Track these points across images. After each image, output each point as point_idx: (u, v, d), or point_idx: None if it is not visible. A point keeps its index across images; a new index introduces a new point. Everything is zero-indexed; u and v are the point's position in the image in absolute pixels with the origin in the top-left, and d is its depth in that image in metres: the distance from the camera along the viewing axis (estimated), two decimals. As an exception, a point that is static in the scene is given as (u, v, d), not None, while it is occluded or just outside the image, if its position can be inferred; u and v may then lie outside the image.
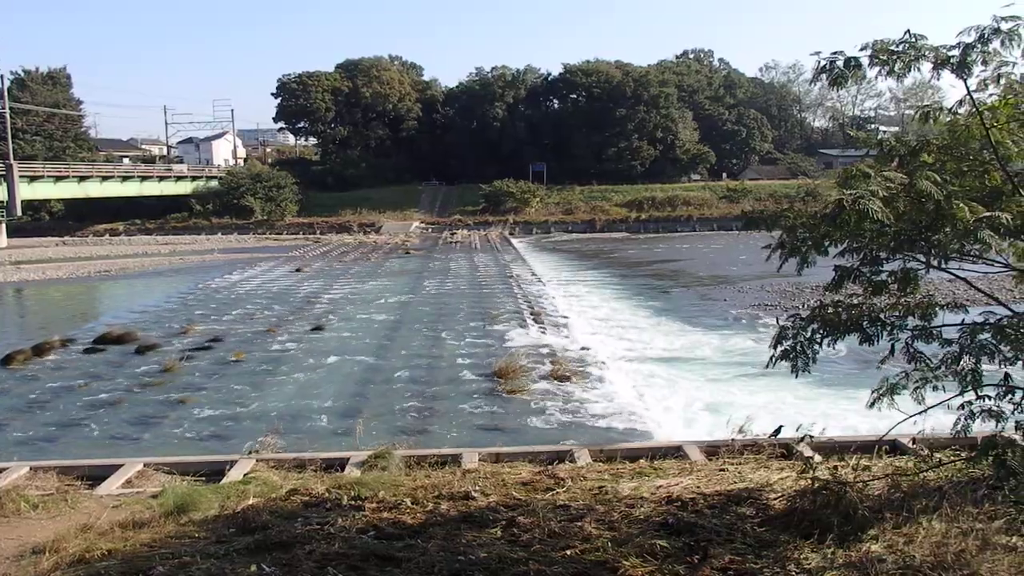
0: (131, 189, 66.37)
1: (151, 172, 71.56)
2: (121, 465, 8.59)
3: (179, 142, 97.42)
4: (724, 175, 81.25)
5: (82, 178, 61.98)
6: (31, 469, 8.50)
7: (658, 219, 68.30)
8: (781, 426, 6.30)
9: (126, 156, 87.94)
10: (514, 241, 59.02)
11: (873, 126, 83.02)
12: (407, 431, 12.85)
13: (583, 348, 19.32)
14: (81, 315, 28.16)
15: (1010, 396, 5.22)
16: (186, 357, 18.96)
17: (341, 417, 14.02)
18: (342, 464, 8.56)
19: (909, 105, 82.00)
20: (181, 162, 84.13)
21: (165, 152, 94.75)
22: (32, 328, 25.05)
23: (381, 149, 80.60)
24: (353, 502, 6.82)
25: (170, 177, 71.54)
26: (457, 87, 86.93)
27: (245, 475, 8.12)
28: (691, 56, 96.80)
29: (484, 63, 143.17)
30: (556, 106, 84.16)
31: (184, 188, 71.10)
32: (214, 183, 72.92)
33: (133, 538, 6.14)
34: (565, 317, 24.30)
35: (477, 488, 7.09)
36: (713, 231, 63.78)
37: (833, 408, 13.15)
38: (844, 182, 5.23)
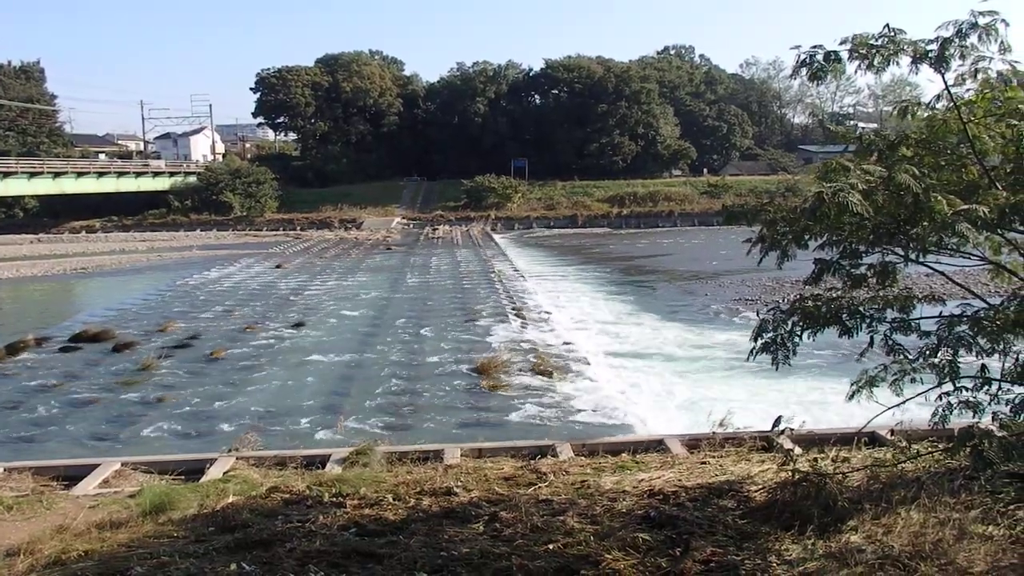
0: (107, 185, 65.46)
1: (128, 168, 70.58)
2: (98, 465, 8.50)
3: (156, 137, 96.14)
4: (705, 171, 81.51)
5: (57, 174, 61.07)
6: (5, 470, 8.38)
7: (640, 214, 68.51)
8: (780, 416, 6.32)
9: (102, 152, 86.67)
10: (496, 237, 58.99)
11: (852, 122, 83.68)
12: (389, 427, 12.82)
13: (565, 343, 19.35)
14: (57, 313, 27.79)
15: (987, 387, 5.28)
16: (164, 355, 18.74)
17: (322, 414, 13.94)
18: (323, 461, 8.53)
19: (888, 101, 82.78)
20: (158, 158, 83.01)
21: (142, 148, 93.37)
22: (6, 327, 24.66)
23: (362, 144, 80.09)
24: (334, 499, 6.79)
25: (147, 173, 70.63)
26: (438, 82, 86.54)
27: (225, 473, 8.06)
28: (672, 52, 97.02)
29: (465, 58, 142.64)
30: (538, 102, 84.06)
31: (162, 184, 70.24)
32: (192, 179, 72.10)
33: (110, 538, 6.07)
34: (547, 312, 24.32)
35: (459, 483, 7.08)
36: (694, 226, 63.98)
37: (812, 400, 13.26)
38: (824, 176, 5.26)
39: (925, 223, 4.95)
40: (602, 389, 15.08)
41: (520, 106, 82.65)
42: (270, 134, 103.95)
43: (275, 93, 77.51)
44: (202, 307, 27.03)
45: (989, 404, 5.28)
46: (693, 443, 8.54)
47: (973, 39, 4.95)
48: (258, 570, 5.30)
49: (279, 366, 17.88)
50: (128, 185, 67.62)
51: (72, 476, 8.21)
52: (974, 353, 5.24)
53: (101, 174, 65.66)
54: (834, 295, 5.62)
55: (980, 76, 5.11)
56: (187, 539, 5.99)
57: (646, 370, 17.01)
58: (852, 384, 5.50)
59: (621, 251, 48.39)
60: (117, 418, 14.05)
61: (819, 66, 5.25)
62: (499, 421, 13.33)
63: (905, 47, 5.08)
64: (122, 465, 8.57)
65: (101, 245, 55.83)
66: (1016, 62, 5.11)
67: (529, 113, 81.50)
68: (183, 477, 8.25)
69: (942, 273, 5.81)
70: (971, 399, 5.25)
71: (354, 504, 6.63)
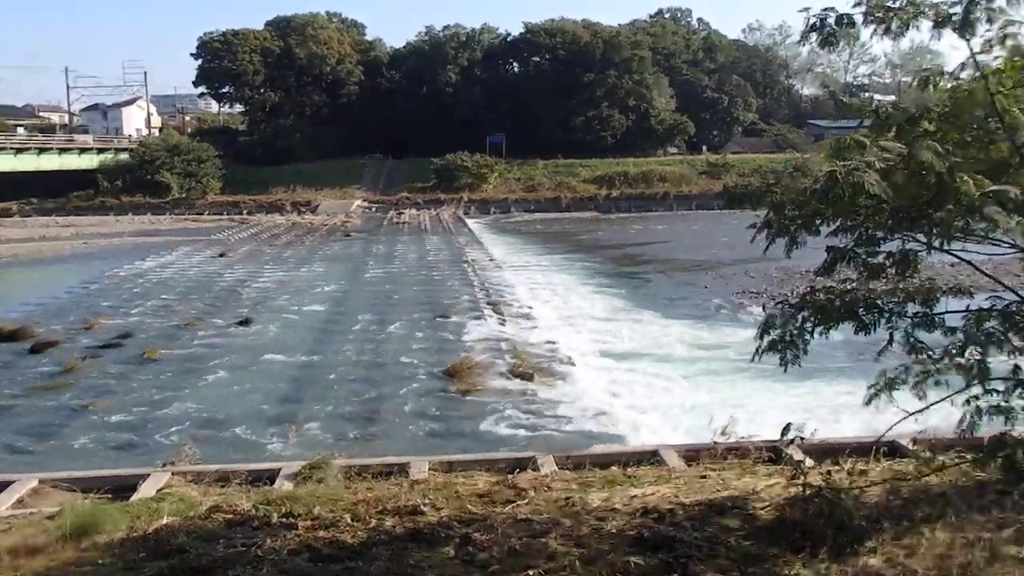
0: (27, 163, 64.72)
1: (50, 143, 69.91)
2: (12, 482, 8.38)
3: (83, 109, 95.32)
4: (704, 148, 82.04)
5: (-33, 150, 60.29)
6: (-96, 488, 8.22)
7: (631, 197, 68.83)
8: (790, 424, 6.32)
9: (21, 125, 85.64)
10: (469, 222, 59.00)
11: (867, 94, 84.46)
12: (347, 438, 12.79)
13: (548, 342, 19.40)
14: (-33, 309, 27.39)
15: (1020, 391, 5.29)
16: (91, 356, 18.63)
17: (271, 423, 13.89)
18: (272, 476, 8.47)
19: (907, 71, 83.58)
20: (86, 132, 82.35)
21: (67, 120, 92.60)
22: (-92, 324, 24.25)
23: (318, 117, 79.74)
24: (284, 520, 6.74)
25: (73, 149, 70.02)
26: (404, 48, 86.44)
27: (159, 491, 7.98)
28: (667, 15, 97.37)
29: (435, 21, 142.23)
30: (516, 70, 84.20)
31: (89, 161, 69.62)
32: (124, 156, 71.61)
33: (24, 566, 5.99)
34: (528, 307, 24.37)
35: (427, 501, 7.05)
36: (692, 210, 64.40)
37: (841, 404, 13.24)
38: (837, 153, 5.25)
39: (950, 206, 4.96)
40: (589, 393, 15.12)
41: (497, 75, 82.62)
42: (213, 105, 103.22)
43: (219, 59, 76.93)
44: (135, 301, 26.83)
45: (1022, 410, 5.30)
46: (692, 454, 8.55)
47: (1001, 1, 4.95)
48: (196, 602, 5.23)
49: (223, 368, 17.76)
50: (50, 163, 66.94)
51: (-18, 495, 8.07)
52: (1005, 352, 5.25)
53: (19, 150, 64.90)
54: (849, 287, 5.62)
55: (1009, 42, 5.10)
56: (114, 566, 5.93)
57: (639, 372, 17.06)
58: (870, 387, 5.51)
59: (611, 238, 48.62)
60: (35, 428, 13.91)
61: (831, 31, 5.23)
62: (472, 430, 13.33)
63: (926, 9, 5.08)
64: (40, 482, 8.45)
65: (18, 231, 55.10)
66: (1047, 28, 5.12)
67: (507, 83, 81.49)
68: (110, 496, 8.13)
69: (969, 262, 5.82)
70: (1002, 404, 5.26)
71: (307, 525, 6.58)
